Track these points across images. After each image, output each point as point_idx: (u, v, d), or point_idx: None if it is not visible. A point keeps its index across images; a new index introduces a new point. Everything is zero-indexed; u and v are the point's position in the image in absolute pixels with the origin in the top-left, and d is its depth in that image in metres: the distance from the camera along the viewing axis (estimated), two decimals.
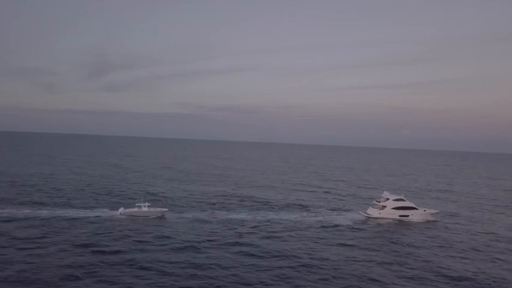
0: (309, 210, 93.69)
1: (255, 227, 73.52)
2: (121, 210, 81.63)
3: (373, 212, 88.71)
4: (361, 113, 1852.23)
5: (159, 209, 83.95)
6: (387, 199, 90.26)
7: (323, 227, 75.88)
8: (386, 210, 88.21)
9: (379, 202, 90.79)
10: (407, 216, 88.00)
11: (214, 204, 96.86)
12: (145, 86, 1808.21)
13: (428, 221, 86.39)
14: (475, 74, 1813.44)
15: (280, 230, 71.19)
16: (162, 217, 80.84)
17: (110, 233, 64.18)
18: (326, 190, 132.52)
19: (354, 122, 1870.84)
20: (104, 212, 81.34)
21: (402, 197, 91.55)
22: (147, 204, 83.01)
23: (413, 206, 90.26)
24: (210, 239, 63.21)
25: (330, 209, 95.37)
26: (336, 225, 77.37)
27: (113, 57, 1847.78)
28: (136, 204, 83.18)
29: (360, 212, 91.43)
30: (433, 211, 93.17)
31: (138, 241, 59.86)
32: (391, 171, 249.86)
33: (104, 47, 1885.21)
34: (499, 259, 58.56)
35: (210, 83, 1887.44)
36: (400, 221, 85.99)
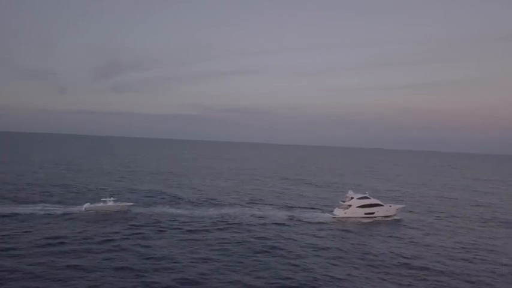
0: (251, 207, 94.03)
1: (185, 222, 75.67)
2: (86, 205, 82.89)
3: (338, 212, 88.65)
4: (371, 113, 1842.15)
5: (124, 204, 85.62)
6: (352, 198, 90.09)
7: (246, 224, 75.34)
8: (352, 209, 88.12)
9: (344, 202, 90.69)
10: (373, 213, 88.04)
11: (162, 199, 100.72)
12: (152, 87, 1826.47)
13: (387, 218, 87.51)
14: (479, 74, 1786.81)
15: (197, 228, 70.85)
16: (127, 211, 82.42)
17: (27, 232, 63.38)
18: (286, 188, 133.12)
19: (363, 123, 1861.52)
20: (68, 208, 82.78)
21: (367, 195, 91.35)
22: (112, 199, 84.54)
23: (379, 202, 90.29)
24: (123, 237, 63.22)
25: (277, 208, 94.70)
26: (262, 224, 76.33)
27: (119, 59, 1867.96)
28: (102, 199, 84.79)
29: (327, 213, 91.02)
30: (399, 206, 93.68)
31: (46, 244, 57.87)
32: (375, 172, 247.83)
33: (110, 48, 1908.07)
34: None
35: (217, 84, 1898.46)
36: (365, 218, 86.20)
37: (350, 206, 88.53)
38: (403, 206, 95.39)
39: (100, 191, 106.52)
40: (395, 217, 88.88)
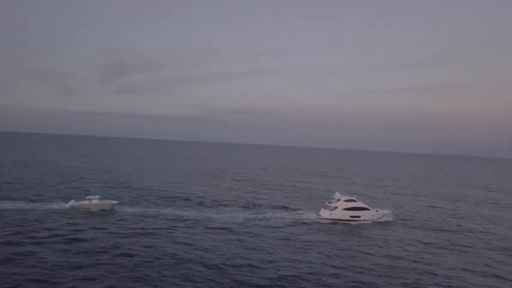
0: (210, 209, 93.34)
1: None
2: (71, 203, 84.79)
3: (324, 213, 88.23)
4: (377, 116, 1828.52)
5: (108, 202, 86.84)
6: (338, 200, 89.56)
7: (183, 228, 73.55)
8: (337, 211, 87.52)
9: (331, 203, 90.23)
10: (359, 217, 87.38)
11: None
12: (159, 89, 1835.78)
13: (375, 222, 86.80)
14: (485, 76, 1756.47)
15: (135, 230, 69.04)
16: (111, 209, 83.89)
17: None
18: (255, 191, 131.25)
19: (367, 125, 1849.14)
20: (52, 205, 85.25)
21: (354, 198, 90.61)
22: (97, 196, 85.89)
23: (365, 206, 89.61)
24: (49, 239, 61.66)
25: (240, 211, 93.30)
26: (208, 228, 74.41)
27: (127, 60, 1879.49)
28: (87, 197, 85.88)
29: (313, 213, 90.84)
30: (386, 211, 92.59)
31: None
32: (360, 175, 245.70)
33: (118, 49, 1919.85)
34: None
35: (222, 86, 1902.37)
36: (351, 222, 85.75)
37: (336, 207, 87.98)
38: (390, 211, 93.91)
39: (89, 189, 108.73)
40: (381, 220, 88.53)
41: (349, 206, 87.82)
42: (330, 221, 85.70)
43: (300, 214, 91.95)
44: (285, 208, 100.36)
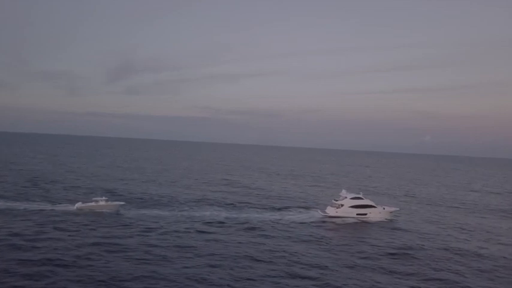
0: (189, 210, 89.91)
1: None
2: (78, 204, 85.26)
3: (330, 211, 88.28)
4: (380, 117, 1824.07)
5: (115, 203, 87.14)
6: (345, 198, 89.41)
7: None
8: (344, 208, 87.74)
9: (337, 201, 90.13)
10: (365, 214, 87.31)
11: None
12: (162, 90, 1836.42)
13: (386, 219, 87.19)
14: (489, 78, 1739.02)
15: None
16: (118, 211, 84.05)
17: None
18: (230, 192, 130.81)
19: (371, 126, 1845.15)
20: (59, 206, 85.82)
21: (360, 195, 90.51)
22: (104, 198, 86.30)
23: (372, 204, 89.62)
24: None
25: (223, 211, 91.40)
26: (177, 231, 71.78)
27: (132, 61, 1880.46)
28: (93, 199, 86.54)
29: (319, 211, 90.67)
30: (393, 209, 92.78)
31: None
32: (348, 175, 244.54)
33: (123, 51, 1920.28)
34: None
35: (228, 87, 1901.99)
36: (358, 219, 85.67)
37: (342, 205, 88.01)
38: (397, 208, 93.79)
39: (93, 190, 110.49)
40: (386, 219, 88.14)
41: (356, 204, 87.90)
42: (336, 218, 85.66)
43: (289, 215, 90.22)
44: (272, 208, 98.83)
